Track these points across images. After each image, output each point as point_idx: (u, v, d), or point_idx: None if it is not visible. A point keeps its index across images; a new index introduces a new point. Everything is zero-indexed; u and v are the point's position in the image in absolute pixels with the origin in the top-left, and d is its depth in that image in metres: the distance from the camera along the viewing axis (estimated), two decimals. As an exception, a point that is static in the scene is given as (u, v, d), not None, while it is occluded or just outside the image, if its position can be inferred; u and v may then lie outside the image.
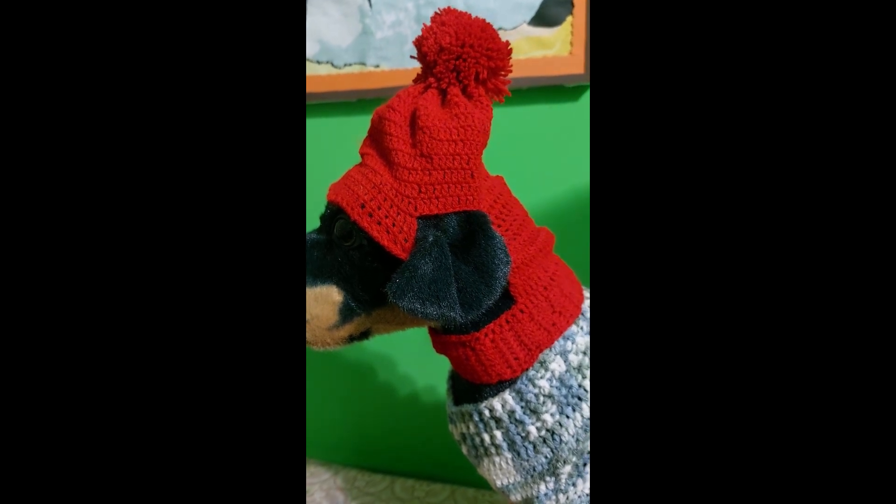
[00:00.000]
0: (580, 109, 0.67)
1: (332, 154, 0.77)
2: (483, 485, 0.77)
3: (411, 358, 0.80)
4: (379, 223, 0.33)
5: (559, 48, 0.66)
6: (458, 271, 0.32)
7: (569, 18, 0.65)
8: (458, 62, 0.34)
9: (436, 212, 0.33)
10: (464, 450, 0.43)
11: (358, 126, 0.76)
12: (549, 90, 0.67)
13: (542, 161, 0.69)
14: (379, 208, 0.33)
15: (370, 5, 0.70)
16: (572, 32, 0.65)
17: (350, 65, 0.73)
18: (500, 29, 0.66)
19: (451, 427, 0.45)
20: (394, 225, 0.33)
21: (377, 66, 0.72)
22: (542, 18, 0.66)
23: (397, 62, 0.71)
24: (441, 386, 0.79)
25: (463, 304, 0.31)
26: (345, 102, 0.75)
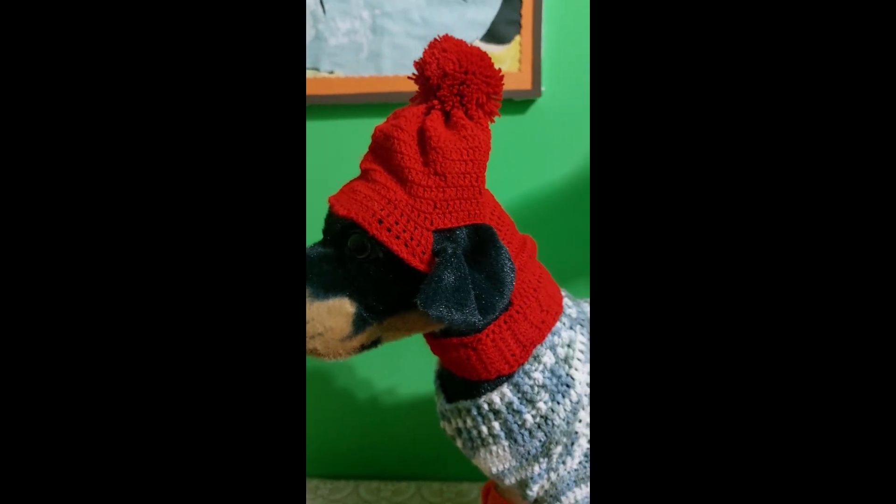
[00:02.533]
0: (527, 121, 0.73)
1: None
2: (448, 477, 0.80)
3: (370, 361, 0.81)
4: (397, 237, 0.35)
5: (509, 64, 0.71)
6: (473, 280, 0.35)
7: (517, 38, 0.70)
8: (461, 87, 0.37)
9: (449, 225, 0.36)
10: (458, 443, 0.47)
11: (311, 131, 0.75)
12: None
13: (493, 169, 0.74)
14: (396, 223, 0.35)
15: (324, 11, 0.70)
16: (521, 51, 0.70)
17: (302, 70, 0.72)
18: (454, 43, 0.70)
19: (443, 424, 0.48)
20: (412, 239, 0.35)
21: (331, 73, 0.72)
22: (494, 36, 0.70)
23: (352, 69, 0.72)
24: (401, 387, 0.81)
25: (480, 310, 0.35)
26: (297, 108, 0.74)
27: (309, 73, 0.72)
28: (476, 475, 0.80)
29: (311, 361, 0.81)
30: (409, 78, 0.41)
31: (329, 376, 0.81)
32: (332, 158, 0.74)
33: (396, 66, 0.72)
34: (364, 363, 0.81)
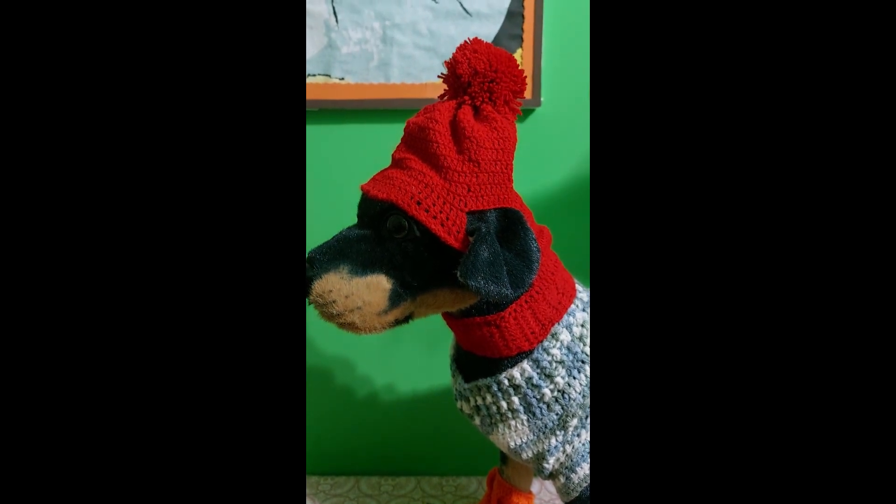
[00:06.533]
0: (527, 129, 0.77)
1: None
2: (447, 472, 0.82)
3: (370, 358, 0.82)
4: (434, 217, 0.38)
5: (511, 76, 0.75)
6: (504, 256, 0.38)
7: (519, 51, 0.75)
8: (491, 84, 0.41)
9: (481, 208, 0.40)
10: (476, 421, 0.49)
11: (320, 135, 0.78)
12: (502, 111, 0.77)
13: (495, 173, 0.78)
14: (434, 205, 0.38)
15: (336, 21, 0.74)
16: (522, 63, 0.75)
17: (314, 75, 0.75)
18: (460, 55, 0.74)
19: (459, 404, 0.51)
20: (447, 219, 0.39)
21: (342, 79, 0.75)
22: (497, 49, 0.75)
23: (362, 76, 0.76)
24: (400, 383, 0.83)
25: (511, 284, 0.38)
26: (308, 111, 0.77)
27: (320, 80, 0.75)
28: (474, 470, 0.81)
29: (309, 360, 0.82)
30: (439, 77, 0.44)
31: (328, 374, 0.82)
32: (341, 160, 0.77)
33: (403, 75, 0.76)
34: (363, 360, 0.82)
